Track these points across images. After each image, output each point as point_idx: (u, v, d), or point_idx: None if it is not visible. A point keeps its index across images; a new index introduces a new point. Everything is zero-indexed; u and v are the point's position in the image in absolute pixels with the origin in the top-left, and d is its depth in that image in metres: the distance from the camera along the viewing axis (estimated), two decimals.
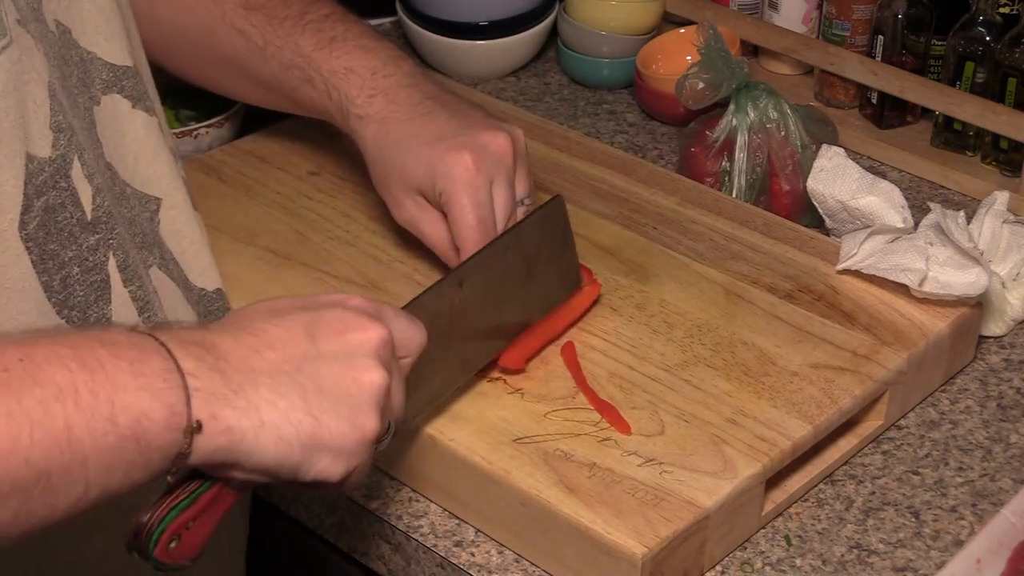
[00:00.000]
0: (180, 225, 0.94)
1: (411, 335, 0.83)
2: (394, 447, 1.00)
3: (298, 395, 0.73)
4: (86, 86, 0.85)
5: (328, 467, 0.75)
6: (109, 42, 0.87)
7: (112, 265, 0.85)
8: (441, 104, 1.07)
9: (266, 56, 1.12)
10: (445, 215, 1.05)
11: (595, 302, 1.09)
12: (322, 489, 0.78)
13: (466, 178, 1.02)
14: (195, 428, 0.69)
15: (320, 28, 1.10)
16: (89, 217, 0.83)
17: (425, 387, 0.94)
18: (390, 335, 0.79)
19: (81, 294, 0.83)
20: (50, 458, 0.65)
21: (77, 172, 0.82)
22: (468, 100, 1.10)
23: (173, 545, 0.74)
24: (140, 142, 0.89)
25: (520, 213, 1.06)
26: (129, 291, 0.86)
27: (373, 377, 0.76)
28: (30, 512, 0.65)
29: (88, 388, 0.66)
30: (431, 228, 1.06)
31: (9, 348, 0.66)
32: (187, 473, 0.73)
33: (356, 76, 1.08)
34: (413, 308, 0.91)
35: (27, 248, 0.79)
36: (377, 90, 1.08)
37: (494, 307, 1.01)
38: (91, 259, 0.84)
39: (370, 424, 0.76)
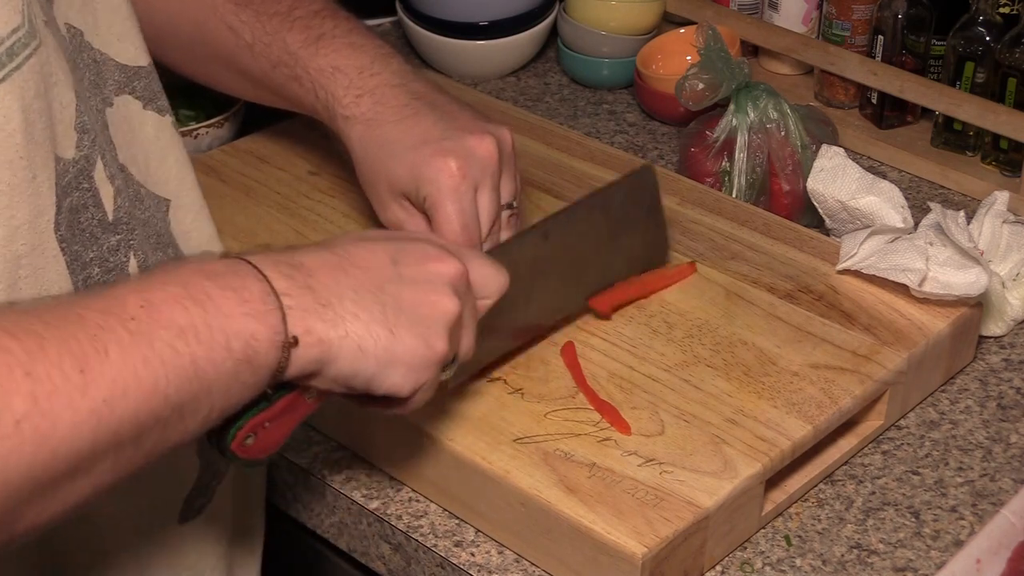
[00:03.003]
0: (188, 226, 0.94)
1: (491, 277, 0.91)
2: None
3: (379, 311, 0.80)
4: (99, 88, 0.85)
5: (399, 381, 0.81)
6: (122, 42, 0.87)
7: (133, 266, 0.85)
8: (429, 104, 1.06)
9: (255, 53, 1.11)
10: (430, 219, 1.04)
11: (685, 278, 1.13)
12: (392, 407, 0.84)
13: (451, 184, 1.01)
14: (292, 343, 0.75)
15: (308, 25, 1.10)
16: (111, 218, 0.83)
17: (504, 333, 1.00)
18: (466, 271, 0.86)
19: None
20: (183, 392, 0.70)
21: (100, 173, 0.82)
22: (458, 99, 1.09)
23: (249, 441, 0.80)
24: (151, 143, 0.89)
25: (505, 218, 1.06)
26: None
27: (447, 304, 0.83)
28: (167, 439, 0.71)
29: (204, 322, 0.71)
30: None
31: (128, 297, 0.71)
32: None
33: (343, 75, 1.07)
34: (496, 253, 0.97)
35: (62, 249, 0.79)
36: (364, 90, 1.07)
37: (578, 264, 1.06)
38: (112, 260, 0.84)
39: (440, 345, 0.83)
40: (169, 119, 0.91)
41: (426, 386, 0.84)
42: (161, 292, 0.71)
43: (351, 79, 1.07)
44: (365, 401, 0.84)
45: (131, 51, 0.88)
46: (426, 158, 1.02)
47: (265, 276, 0.75)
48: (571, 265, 1.05)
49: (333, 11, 1.12)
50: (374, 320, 0.79)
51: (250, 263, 0.76)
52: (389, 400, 0.84)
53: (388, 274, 0.82)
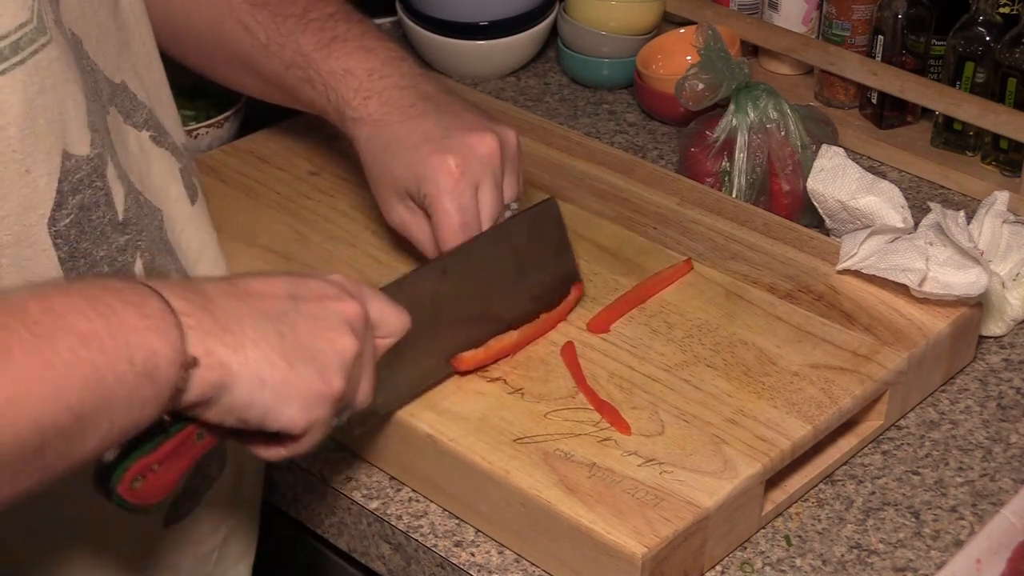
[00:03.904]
0: (177, 235, 0.94)
1: (390, 316, 0.88)
2: (388, 446, 1.00)
3: (277, 341, 0.78)
4: (98, 95, 0.86)
5: (294, 416, 0.78)
6: (105, 58, 0.88)
7: (138, 267, 0.86)
8: (434, 105, 1.06)
9: (269, 53, 1.12)
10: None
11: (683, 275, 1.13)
12: (281, 447, 0.81)
13: (449, 182, 1.01)
14: (192, 363, 0.73)
15: (322, 27, 1.10)
16: (121, 217, 0.84)
17: (407, 375, 0.97)
18: (365, 311, 0.84)
19: None
20: (84, 401, 0.69)
21: (112, 172, 0.83)
22: (466, 100, 1.10)
23: (137, 484, 0.77)
24: (138, 155, 0.90)
25: (507, 217, 1.05)
26: None
27: (345, 342, 0.81)
28: (67, 455, 0.70)
29: (107, 332, 0.70)
30: (420, 233, 1.06)
31: (29, 302, 0.69)
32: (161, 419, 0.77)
33: (353, 78, 1.08)
34: (392, 290, 0.93)
35: (55, 244, 0.80)
36: (372, 92, 1.07)
37: (481, 302, 1.02)
38: (120, 259, 0.84)
39: (337, 382, 0.80)
40: (147, 134, 0.91)
41: (318, 425, 0.81)
42: (63, 300, 0.70)
43: (361, 81, 1.08)
44: (255, 439, 0.82)
45: (110, 69, 0.89)
46: (426, 156, 1.02)
47: (163, 297, 0.74)
48: (475, 302, 1.02)
49: (347, 14, 1.12)
50: (273, 350, 0.77)
51: (148, 286, 0.74)
52: (279, 439, 0.81)
53: (285, 306, 0.80)
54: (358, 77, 1.08)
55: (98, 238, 0.82)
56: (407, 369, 0.97)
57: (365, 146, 1.07)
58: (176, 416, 0.77)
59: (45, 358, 0.67)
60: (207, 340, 0.74)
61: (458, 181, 1.01)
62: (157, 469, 0.78)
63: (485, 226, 1.03)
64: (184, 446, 0.78)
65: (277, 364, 0.77)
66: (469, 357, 1.01)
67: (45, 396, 0.67)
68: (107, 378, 0.70)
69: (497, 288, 1.03)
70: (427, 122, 1.05)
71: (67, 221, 0.80)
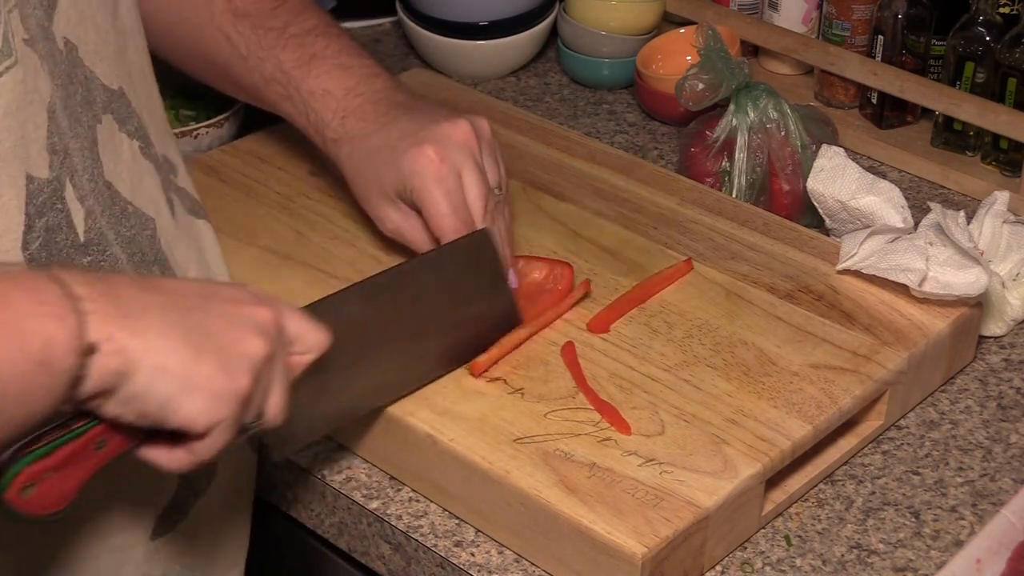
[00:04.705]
0: (168, 243, 0.94)
1: (308, 332, 0.84)
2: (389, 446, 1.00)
3: (183, 332, 0.74)
4: (89, 104, 0.85)
5: (195, 411, 0.75)
6: (104, 63, 0.88)
7: None
8: (406, 109, 1.08)
9: (249, 66, 1.13)
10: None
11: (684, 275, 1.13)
12: (184, 453, 0.78)
13: (432, 170, 1.03)
14: (89, 349, 0.70)
15: (302, 44, 1.11)
16: (82, 239, 0.84)
17: (337, 400, 0.95)
18: (278, 320, 0.80)
19: None
20: None
21: (70, 194, 0.83)
22: (436, 103, 1.11)
23: (29, 491, 0.72)
24: (131, 164, 0.90)
25: (492, 203, 1.06)
26: None
27: (255, 343, 0.78)
28: None
29: None
30: (416, 233, 1.06)
31: None
32: (66, 419, 0.74)
33: (331, 98, 1.09)
34: (313, 308, 0.89)
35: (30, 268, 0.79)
36: (348, 111, 1.09)
37: (416, 331, 0.99)
38: None
39: (243, 380, 0.76)
40: (137, 144, 0.92)
41: (222, 427, 0.76)
42: None
43: (338, 102, 1.09)
44: (158, 448, 0.78)
45: (109, 75, 0.88)
46: (404, 152, 1.04)
47: (64, 282, 0.71)
48: (408, 331, 0.99)
49: (326, 27, 1.13)
50: (178, 339, 0.74)
51: (49, 272, 0.72)
52: (178, 441, 0.77)
53: (195, 303, 0.77)
54: (335, 97, 1.09)
55: (64, 260, 0.82)
56: (336, 395, 0.94)
57: (347, 163, 1.09)
58: (81, 417, 0.74)
59: None
60: (108, 325, 0.71)
61: (439, 168, 1.02)
62: (52, 477, 0.73)
63: (476, 209, 1.03)
64: (83, 453, 0.74)
65: (181, 353, 0.74)
66: (485, 360, 1.01)
67: None
68: None
69: (432, 320, 1.00)
70: (400, 124, 1.06)
71: (37, 244, 0.80)
